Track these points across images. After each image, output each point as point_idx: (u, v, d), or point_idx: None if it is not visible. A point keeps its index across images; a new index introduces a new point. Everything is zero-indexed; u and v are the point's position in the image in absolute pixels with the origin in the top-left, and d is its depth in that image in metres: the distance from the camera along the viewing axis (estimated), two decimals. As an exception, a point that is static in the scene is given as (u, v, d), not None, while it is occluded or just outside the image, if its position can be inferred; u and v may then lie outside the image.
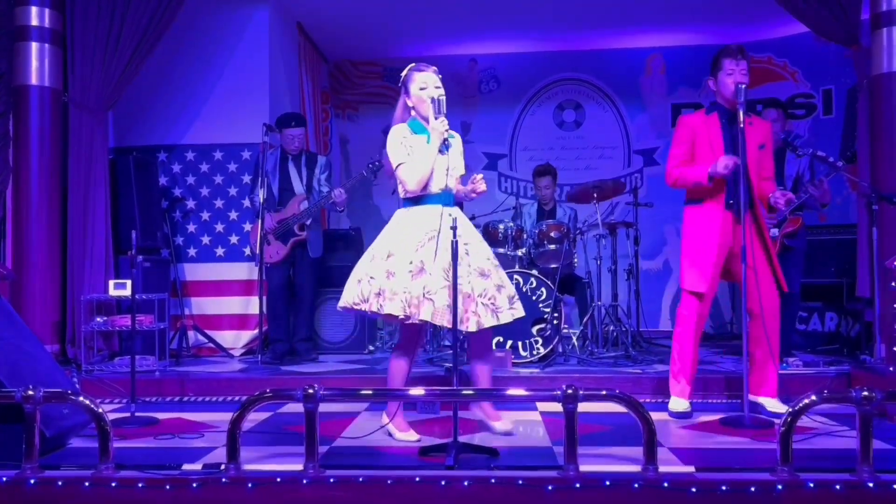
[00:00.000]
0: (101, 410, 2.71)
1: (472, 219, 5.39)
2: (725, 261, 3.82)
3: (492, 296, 3.24)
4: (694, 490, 2.48)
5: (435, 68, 3.42)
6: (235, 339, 5.89)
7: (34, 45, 5.13)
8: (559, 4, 6.55)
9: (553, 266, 5.38)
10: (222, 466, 2.70)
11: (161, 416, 3.91)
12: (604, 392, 2.73)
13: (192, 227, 6.10)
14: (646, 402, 3.04)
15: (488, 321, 3.22)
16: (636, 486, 2.50)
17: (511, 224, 5.50)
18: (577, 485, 2.51)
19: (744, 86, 3.60)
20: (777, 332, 3.84)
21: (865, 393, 2.53)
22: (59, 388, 3.11)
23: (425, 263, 3.18)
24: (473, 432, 3.49)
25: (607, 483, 2.51)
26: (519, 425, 3.67)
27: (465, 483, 2.55)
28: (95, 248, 5.26)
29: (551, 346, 5.10)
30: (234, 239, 6.03)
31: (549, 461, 2.91)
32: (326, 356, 5.62)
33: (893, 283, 3.77)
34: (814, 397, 2.62)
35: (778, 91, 7.21)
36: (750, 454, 3.06)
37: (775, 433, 2.62)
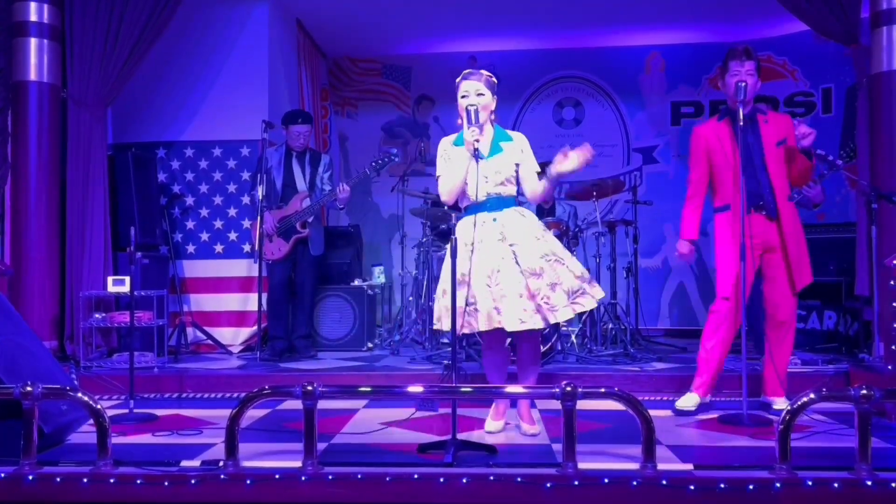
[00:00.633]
0: (99, 407, 2.71)
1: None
2: (761, 261, 3.84)
3: (545, 295, 3.18)
4: (692, 488, 2.48)
5: (487, 74, 3.36)
6: (234, 336, 5.89)
7: (33, 41, 5.12)
8: (559, 2, 6.54)
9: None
10: (221, 463, 2.70)
11: (159, 412, 3.91)
12: (602, 390, 2.73)
13: (190, 224, 6.09)
14: (644, 400, 3.05)
15: (534, 322, 3.17)
16: (635, 483, 2.50)
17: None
18: (576, 482, 2.51)
19: (744, 84, 3.60)
20: (793, 333, 3.88)
21: (864, 391, 2.53)
22: (58, 384, 3.11)
23: (464, 275, 3.20)
24: (472, 429, 3.49)
25: (606, 481, 2.51)
26: (517, 423, 3.67)
27: (464, 480, 2.54)
28: (94, 245, 5.26)
29: (550, 344, 5.09)
30: (232, 236, 6.02)
31: (548, 459, 2.92)
32: (325, 353, 5.62)
33: (892, 282, 3.76)
34: (812, 395, 2.62)
35: (777, 89, 7.22)
36: (748, 452, 3.06)
37: (774, 431, 2.62)
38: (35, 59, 5.12)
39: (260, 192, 5.23)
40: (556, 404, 2.64)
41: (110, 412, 2.98)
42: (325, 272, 5.87)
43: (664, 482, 2.50)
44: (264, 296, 5.45)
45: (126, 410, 3.80)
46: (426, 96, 8.01)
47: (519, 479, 2.53)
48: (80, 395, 2.76)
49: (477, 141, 3.21)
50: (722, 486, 2.48)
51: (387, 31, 7.33)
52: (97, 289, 5.15)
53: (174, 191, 6.11)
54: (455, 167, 3.29)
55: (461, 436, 3.07)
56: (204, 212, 6.08)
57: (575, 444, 2.59)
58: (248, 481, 2.59)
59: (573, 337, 5.62)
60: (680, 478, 2.55)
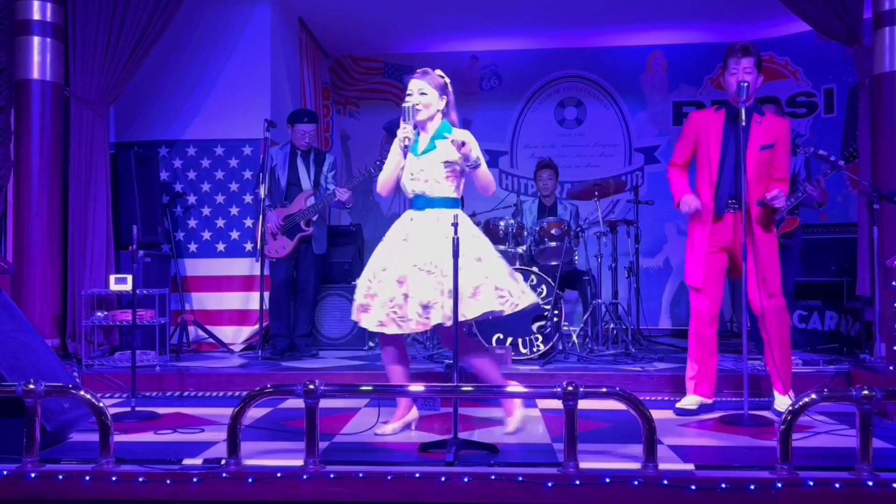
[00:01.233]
0: (101, 405, 2.71)
1: (472, 216, 5.39)
2: (729, 258, 3.83)
3: (432, 298, 3.20)
4: (693, 488, 2.48)
5: (435, 74, 3.41)
6: (235, 335, 5.90)
7: (36, 40, 5.13)
8: (561, 2, 6.55)
9: (553, 263, 5.38)
10: (223, 461, 2.70)
11: (161, 410, 3.92)
12: (604, 389, 2.73)
13: (192, 223, 6.10)
14: (646, 400, 3.04)
15: (392, 329, 3.27)
16: (636, 483, 2.50)
17: (512, 221, 5.50)
18: (577, 482, 2.52)
19: (745, 84, 3.60)
20: (778, 329, 3.81)
21: (865, 392, 2.53)
22: (60, 382, 3.12)
23: (375, 272, 3.32)
24: (473, 429, 3.50)
25: (607, 480, 2.51)
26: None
27: (465, 479, 2.55)
28: (96, 243, 5.26)
29: (551, 344, 5.10)
30: (234, 234, 6.03)
31: (549, 458, 2.91)
32: (326, 352, 5.62)
33: (894, 283, 3.76)
34: (814, 396, 2.62)
35: (779, 90, 7.21)
36: (750, 452, 3.06)
37: (775, 431, 2.62)
38: (38, 58, 5.13)
39: (262, 190, 5.24)
40: (557, 404, 2.65)
41: (112, 410, 2.98)
42: (327, 271, 5.87)
43: (665, 482, 2.50)
44: (266, 294, 5.45)
45: (128, 409, 3.81)
46: (428, 96, 7.99)
47: (520, 479, 2.54)
48: (82, 393, 2.77)
49: (408, 138, 3.25)
50: (723, 486, 2.49)
51: (389, 30, 7.33)
52: (99, 287, 5.16)
53: (176, 189, 6.11)
54: (389, 161, 3.37)
55: (462, 435, 3.07)
56: (206, 210, 6.08)
57: (576, 443, 2.60)
58: (250, 480, 2.59)
59: (574, 337, 5.63)
60: (681, 478, 2.55)
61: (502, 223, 5.47)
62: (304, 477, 2.59)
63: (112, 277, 4.76)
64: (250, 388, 2.88)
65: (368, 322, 3.32)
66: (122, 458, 2.74)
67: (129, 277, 4.23)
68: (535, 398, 4.02)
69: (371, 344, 5.83)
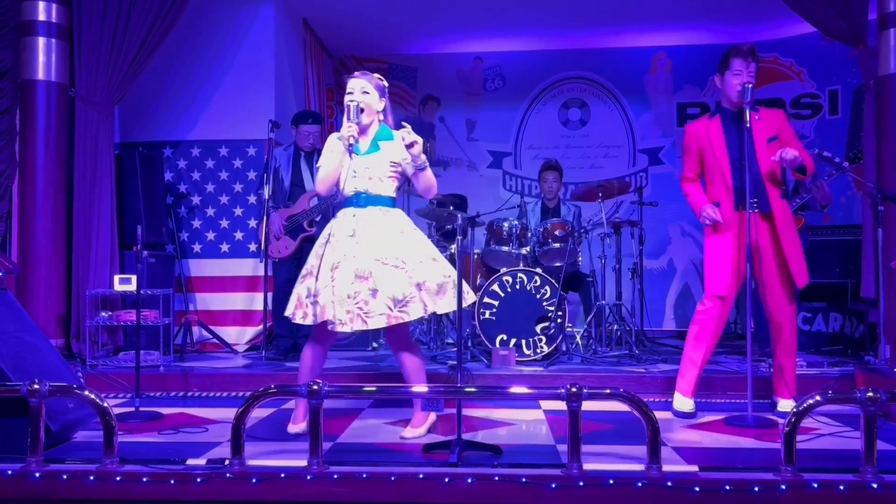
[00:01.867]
0: (105, 405, 2.72)
1: (476, 217, 5.40)
2: (749, 262, 3.81)
3: (364, 299, 3.19)
4: (697, 489, 2.48)
5: (377, 76, 3.44)
6: (239, 335, 5.90)
7: (41, 40, 5.15)
8: (565, 3, 6.54)
9: (557, 265, 5.38)
10: (226, 462, 2.70)
11: (165, 411, 3.93)
12: (608, 391, 2.73)
13: (196, 223, 6.11)
14: (649, 402, 3.02)
15: (358, 325, 3.21)
16: (639, 484, 2.50)
17: (516, 222, 5.50)
18: (581, 483, 2.51)
19: (750, 86, 3.59)
20: (793, 334, 3.82)
21: (870, 394, 2.53)
22: (64, 382, 3.13)
23: (314, 266, 3.29)
24: (477, 430, 3.50)
25: (611, 482, 2.51)
26: (522, 423, 3.68)
27: (469, 480, 2.55)
28: (101, 243, 5.27)
29: (555, 345, 5.10)
30: (238, 235, 6.04)
31: (553, 459, 2.91)
32: (330, 353, 5.58)
33: (898, 284, 3.76)
34: (818, 398, 2.61)
35: (784, 91, 7.21)
36: (754, 454, 3.06)
37: (779, 433, 2.62)
38: (43, 59, 5.15)
39: (266, 191, 5.24)
40: (561, 405, 2.65)
41: (116, 410, 2.99)
42: (331, 272, 5.87)
43: (669, 483, 2.50)
44: (270, 295, 5.45)
45: (132, 409, 3.81)
46: (432, 96, 8.01)
47: (524, 480, 2.54)
48: (86, 393, 2.77)
49: (353, 136, 3.24)
50: (727, 487, 2.48)
51: (393, 31, 7.33)
52: (103, 287, 5.17)
53: (181, 190, 6.12)
54: (330, 159, 3.33)
55: (466, 436, 3.07)
56: (210, 211, 6.09)
57: (580, 444, 2.59)
58: (254, 480, 2.59)
59: (578, 338, 5.62)
60: (685, 479, 2.55)
61: (506, 224, 5.47)
62: (308, 477, 2.59)
63: (116, 278, 4.76)
64: (254, 389, 2.88)
65: (307, 319, 3.27)
66: (125, 458, 2.75)
67: (134, 277, 4.24)
68: (538, 399, 4.03)
69: (375, 345, 5.83)
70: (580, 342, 5.58)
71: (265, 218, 5.26)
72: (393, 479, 2.57)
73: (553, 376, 4.56)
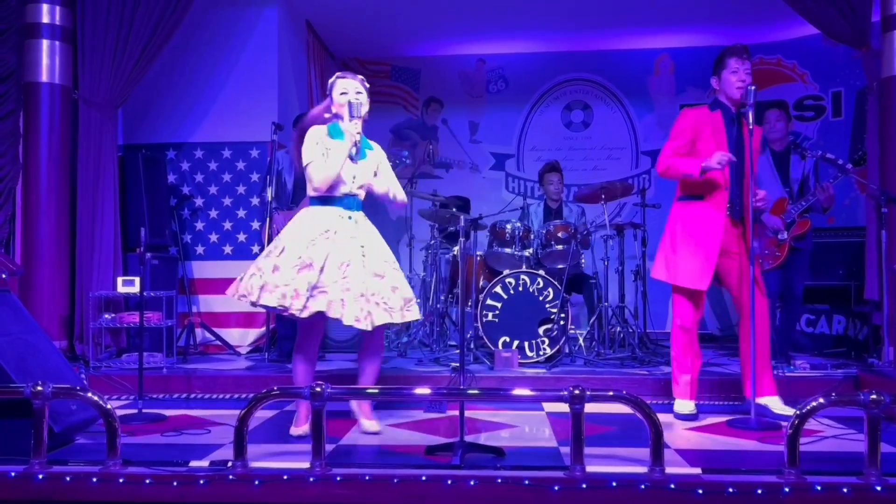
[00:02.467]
0: (108, 407, 2.72)
1: (479, 218, 5.40)
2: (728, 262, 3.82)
3: (385, 296, 3.30)
4: (700, 492, 2.48)
5: (362, 78, 3.49)
6: (242, 337, 5.91)
7: (45, 43, 5.16)
8: (568, 5, 6.55)
9: (560, 266, 5.37)
10: (229, 463, 2.71)
11: (168, 412, 3.93)
12: (611, 393, 2.73)
13: (200, 225, 6.12)
14: (652, 404, 3.03)
15: (380, 319, 3.26)
16: (642, 487, 2.50)
17: (518, 224, 5.50)
18: (584, 485, 2.51)
19: (753, 88, 3.59)
20: (766, 333, 3.79)
21: (874, 396, 2.52)
22: (68, 384, 3.13)
23: (314, 260, 3.23)
24: (480, 432, 3.50)
25: (614, 484, 2.51)
26: (525, 425, 3.68)
27: (472, 482, 2.55)
28: (104, 245, 5.28)
29: (558, 347, 5.09)
30: (241, 237, 6.04)
31: (556, 461, 2.91)
32: (333, 355, 5.62)
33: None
34: (821, 400, 2.61)
35: (787, 93, 7.20)
36: (757, 456, 3.06)
37: (782, 435, 2.61)
38: (47, 61, 5.16)
39: (269, 193, 5.25)
40: (564, 407, 2.64)
41: (119, 412, 3.00)
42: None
43: (672, 486, 2.50)
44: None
45: (135, 410, 3.82)
46: (435, 98, 8.01)
47: (527, 482, 2.53)
48: (89, 395, 2.78)
49: (359, 134, 3.32)
50: (730, 490, 2.48)
51: (396, 33, 7.34)
52: (107, 289, 5.18)
53: (184, 192, 6.13)
54: (335, 159, 3.31)
55: (469, 438, 3.07)
56: (213, 213, 6.10)
57: (583, 446, 2.59)
58: (257, 482, 2.59)
59: (581, 340, 5.62)
60: (688, 481, 2.54)
61: (509, 226, 5.47)
62: (311, 479, 2.59)
63: (119, 279, 4.78)
64: (257, 391, 2.89)
65: (304, 313, 3.19)
66: (129, 460, 2.75)
67: (137, 279, 4.25)
68: (541, 401, 4.03)
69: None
70: (583, 344, 5.57)
71: (268, 220, 5.26)
72: (396, 480, 2.57)
73: (556, 378, 4.56)
